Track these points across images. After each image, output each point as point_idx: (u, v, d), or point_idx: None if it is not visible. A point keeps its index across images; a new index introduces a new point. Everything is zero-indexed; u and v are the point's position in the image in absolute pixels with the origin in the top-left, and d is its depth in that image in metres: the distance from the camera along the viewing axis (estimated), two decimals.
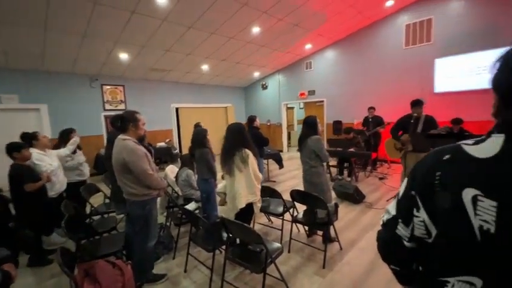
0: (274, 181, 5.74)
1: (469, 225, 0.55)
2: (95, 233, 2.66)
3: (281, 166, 5.87)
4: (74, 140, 3.49)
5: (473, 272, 0.56)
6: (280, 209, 2.96)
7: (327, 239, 2.71)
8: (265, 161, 5.66)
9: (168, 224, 3.37)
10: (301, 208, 2.92)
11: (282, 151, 9.59)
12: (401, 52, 6.40)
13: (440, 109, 5.21)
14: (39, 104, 6.21)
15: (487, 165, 0.55)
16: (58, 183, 3.14)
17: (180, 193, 3.67)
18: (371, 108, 6.14)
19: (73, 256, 1.85)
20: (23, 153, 2.73)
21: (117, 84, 7.49)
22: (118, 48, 5.65)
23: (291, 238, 2.86)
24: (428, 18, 5.86)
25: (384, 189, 4.82)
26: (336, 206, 2.91)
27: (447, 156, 0.62)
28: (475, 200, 0.54)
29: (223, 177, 2.58)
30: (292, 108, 11.45)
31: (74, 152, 3.53)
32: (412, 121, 3.74)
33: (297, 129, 11.31)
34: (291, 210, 2.90)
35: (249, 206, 2.36)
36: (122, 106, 7.57)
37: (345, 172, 5.67)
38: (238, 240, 2.34)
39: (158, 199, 2.68)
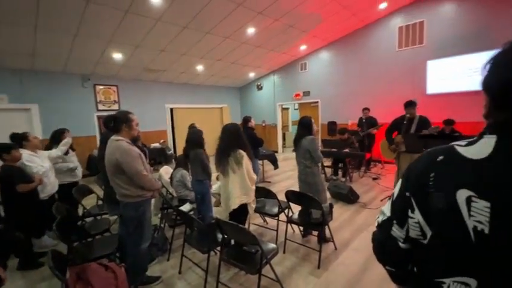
0: (269, 182, 5.74)
1: (463, 226, 0.55)
2: (88, 235, 2.61)
3: (276, 167, 5.89)
4: (66, 141, 3.40)
5: (468, 272, 0.56)
6: (276, 210, 2.96)
7: (322, 239, 2.73)
8: (260, 162, 5.66)
9: (162, 225, 3.34)
10: (296, 209, 2.93)
11: (277, 152, 9.61)
12: (394, 54, 6.48)
13: (432, 110, 5.28)
14: (30, 104, 6.08)
15: (480, 166, 0.55)
16: (49, 185, 3.07)
17: (175, 194, 3.64)
18: (366, 109, 6.20)
19: (65, 259, 1.81)
20: (13, 154, 2.67)
21: (110, 84, 7.39)
22: (111, 47, 5.58)
23: (286, 239, 2.86)
24: (420, 21, 5.95)
25: (378, 189, 4.87)
26: (331, 206, 2.93)
27: (441, 157, 0.62)
28: (469, 201, 0.55)
29: (217, 178, 2.56)
30: (287, 109, 11.49)
31: (66, 153, 3.46)
32: (405, 122, 3.78)
33: (292, 129, 11.34)
34: (286, 211, 2.91)
35: (243, 207, 2.36)
36: (115, 106, 7.48)
37: (340, 172, 5.71)
38: (233, 241, 2.33)
39: (153, 200, 2.65)
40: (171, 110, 8.84)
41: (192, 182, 3.15)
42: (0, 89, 5.70)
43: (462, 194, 0.55)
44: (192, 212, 3.10)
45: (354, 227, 3.36)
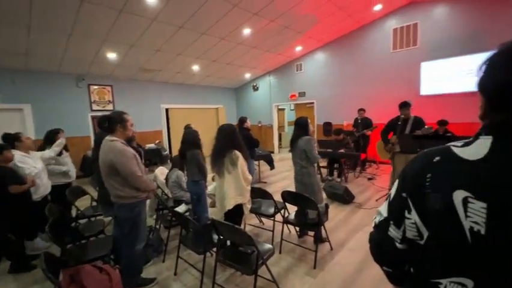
0: (265, 182, 5.74)
1: (460, 227, 0.55)
2: (82, 237, 2.57)
3: (272, 167, 5.89)
4: (60, 142, 3.35)
5: (465, 273, 0.57)
6: (272, 210, 2.95)
7: (318, 240, 2.73)
8: (256, 162, 5.65)
9: (158, 226, 3.31)
10: (292, 209, 2.93)
11: (273, 152, 9.61)
12: (388, 55, 6.55)
13: (426, 111, 5.33)
14: (23, 104, 5.99)
15: (477, 167, 0.56)
16: (42, 186, 3.01)
17: (170, 195, 3.62)
18: (361, 110, 6.24)
19: (58, 261, 1.78)
20: (4, 155, 2.62)
21: (105, 84, 7.31)
22: (105, 47, 5.52)
23: (282, 239, 2.86)
24: (414, 23, 6.02)
25: (373, 189, 4.90)
26: (327, 206, 2.93)
27: (437, 158, 0.62)
28: (465, 201, 0.55)
29: (213, 179, 2.55)
30: (283, 109, 11.51)
31: (60, 154, 3.40)
32: (400, 123, 3.82)
33: (288, 130, 11.37)
34: (282, 211, 2.90)
35: (238, 207, 2.35)
36: (110, 106, 7.40)
37: (335, 173, 5.74)
38: (229, 242, 2.32)
39: (148, 201, 2.62)
40: (167, 110, 8.78)
41: (188, 183, 3.13)
42: None
43: (459, 195, 0.56)
44: (187, 213, 3.08)
45: (350, 227, 3.38)
